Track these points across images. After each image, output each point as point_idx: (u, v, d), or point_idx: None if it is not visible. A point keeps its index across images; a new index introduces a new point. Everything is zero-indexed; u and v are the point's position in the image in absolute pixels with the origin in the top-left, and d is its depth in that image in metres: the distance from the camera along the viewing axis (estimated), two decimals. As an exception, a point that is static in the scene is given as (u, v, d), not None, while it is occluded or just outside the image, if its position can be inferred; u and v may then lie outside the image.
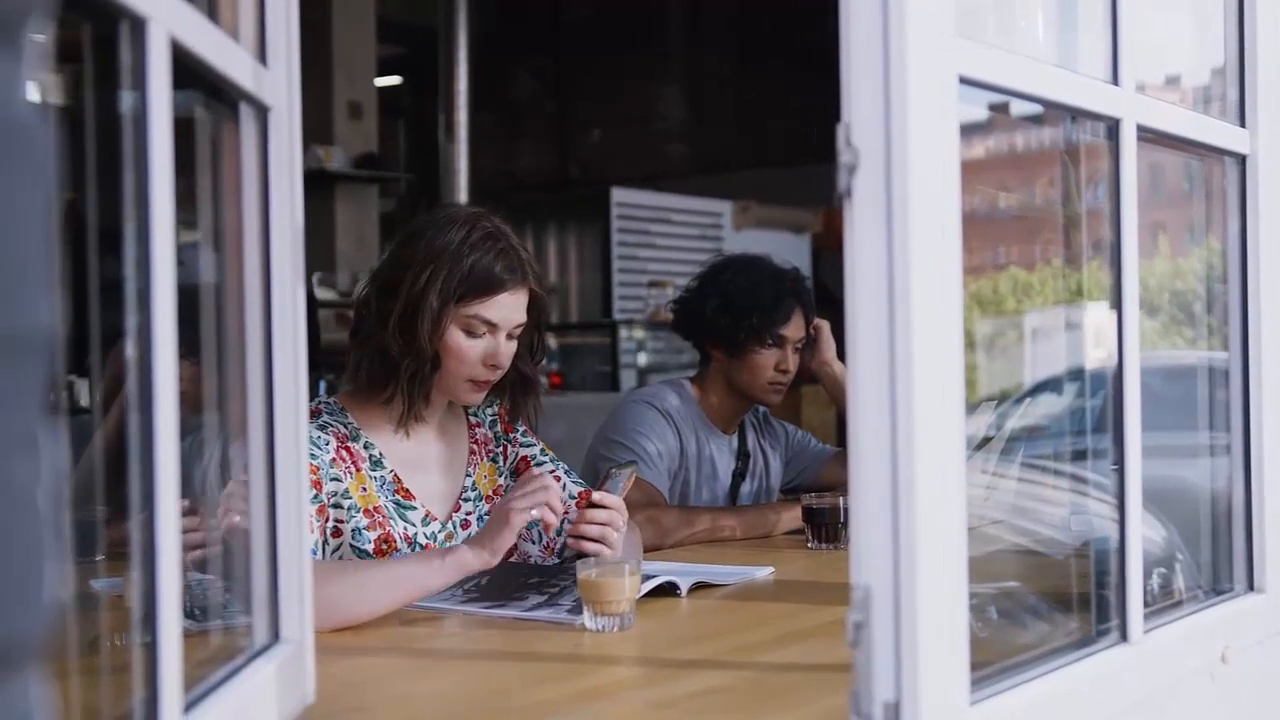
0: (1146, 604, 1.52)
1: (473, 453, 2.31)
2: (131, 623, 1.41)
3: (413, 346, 2.11)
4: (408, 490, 2.17)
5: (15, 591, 0.54)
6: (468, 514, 2.25)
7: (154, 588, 0.99)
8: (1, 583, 0.53)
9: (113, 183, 1.01)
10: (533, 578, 2.09)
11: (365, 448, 2.16)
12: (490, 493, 2.30)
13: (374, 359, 2.14)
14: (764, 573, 2.30)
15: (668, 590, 2.06)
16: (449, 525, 2.22)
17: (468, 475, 2.28)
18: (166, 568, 1.00)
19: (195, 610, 1.34)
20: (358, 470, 2.13)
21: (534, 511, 1.93)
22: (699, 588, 2.13)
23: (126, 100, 1.01)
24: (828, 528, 2.59)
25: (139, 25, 0.98)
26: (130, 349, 1.00)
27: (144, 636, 1.02)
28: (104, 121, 1.02)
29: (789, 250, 6.80)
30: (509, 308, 2.15)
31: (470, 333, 2.13)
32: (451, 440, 2.29)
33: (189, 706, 1.08)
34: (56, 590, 0.58)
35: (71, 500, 0.70)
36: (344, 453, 2.12)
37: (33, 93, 0.58)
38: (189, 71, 1.10)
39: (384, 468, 2.16)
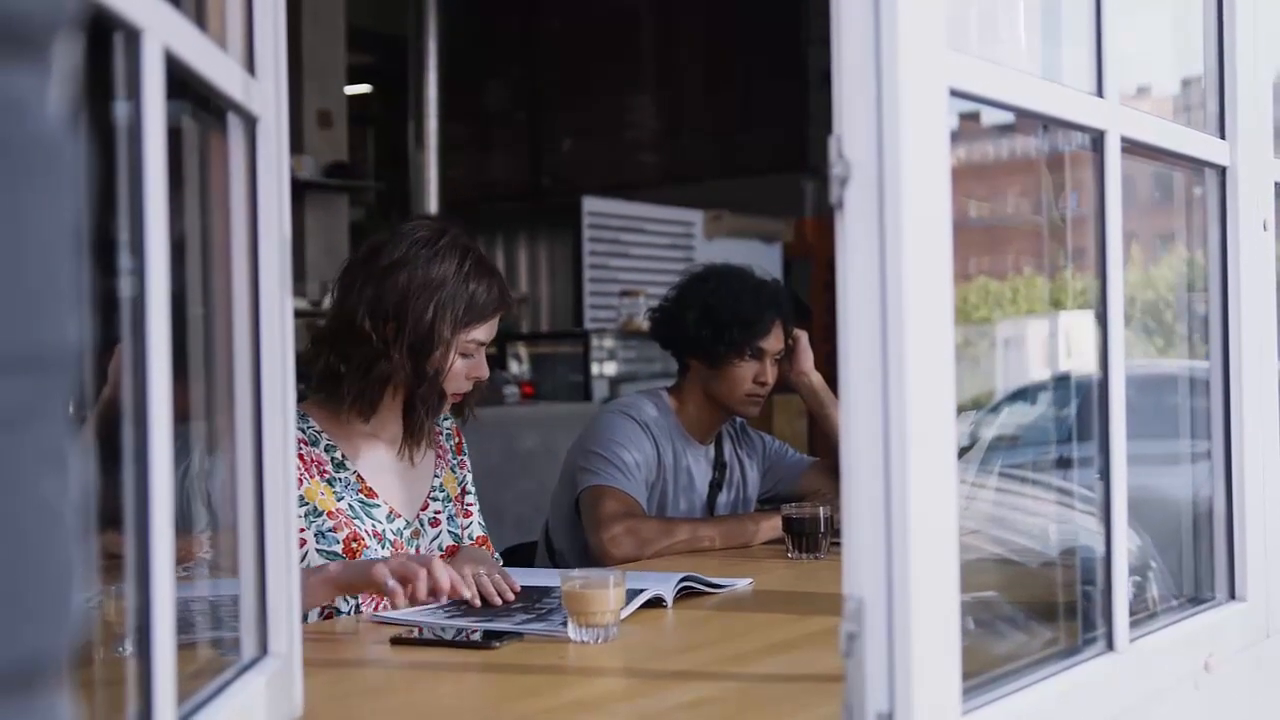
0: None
1: (439, 456, 2.40)
2: (113, 636, 1.40)
3: (423, 377, 2.20)
4: (371, 489, 2.25)
5: (46, 609, 0.54)
6: (436, 512, 2.35)
7: (148, 602, 0.98)
8: (32, 600, 0.53)
9: (105, 192, 1.00)
10: (518, 600, 2.07)
11: (326, 451, 2.23)
12: (454, 496, 2.40)
13: (376, 385, 2.21)
14: (744, 584, 2.30)
15: (653, 601, 2.06)
16: (416, 523, 2.30)
17: (435, 476, 2.37)
18: (160, 581, 0.99)
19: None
20: (313, 477, 2.19)
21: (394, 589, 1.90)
22: (684, 596, 2.13)
23: (120, 110, 1.00)
24: (808, 538, 2.59)
25: (134, 36, 0.97)
26: (124, 360, 0.99)
27: (130, 649, 1.01)
28: (95, 131, 1.02)
29: (760, 260, 6.78)
30: (495, 326, 2.29)
31: (464, 355, 2.25)
32: None
33: (181, 721, 1.07)
34: (83, 607, 0.58)
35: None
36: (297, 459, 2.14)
37: (61, 106, 0.57)
38: (179, 81, 1.09)
39: (347, 469, 2.23)
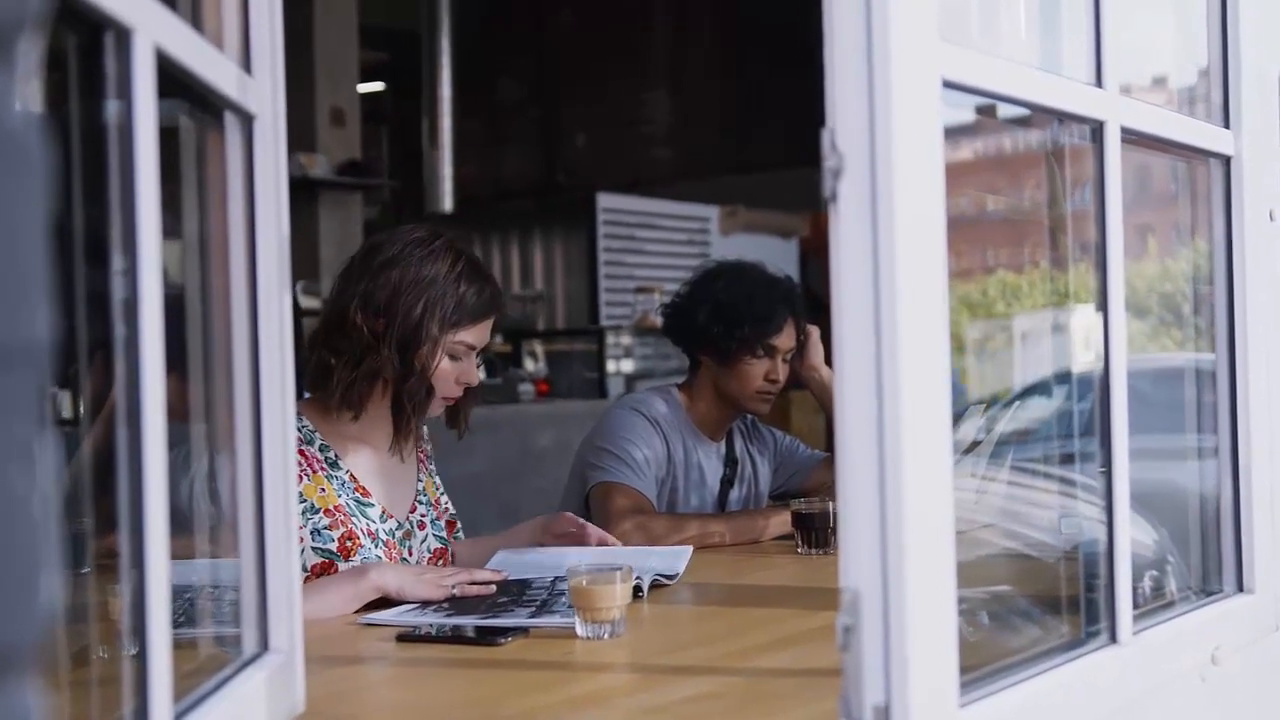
0: (1137, 606, 1.52)
1: (421, 462, 2.44)
2: (114, 634, 1.41)
3: (410, 372, 2.22)
4: (364, 488, 2.28)
5: (12, 600, 0.54)
6: (421, 516, 2.39)
7: (144, 599, 0.99)
8: None
9: (97, 192, 1.01)
10: (501, 597, 2.07)
11: (321, 450, 2.26)
12: (434, 501, 2.44)
13: (364, 379, 2.23)
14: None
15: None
16: (406, 524, 2.34)
17: (419, 481, 2.41)
18: (155, 579, 0.99)
19: (179, 618, 1.34)
20: (314, 473, 2.22)
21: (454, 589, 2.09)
22: (690, 590, 2.14)
23: (111, 109, 1.00)
24: (817, 533, 2.59)
25: (124, 35, 0.98)
26: (117, 360, 1.00)
27: (131, 648, 1.02)
28: (87, 130, 1.02)
29: (776, 255, 6.81)
30: (487, 331, 2.32)
31: (453, 357, 2.27)
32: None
33: (179, 716, 1.07)
34: (52, 599, 0.58)
35: (60, 512, 0.70)
36: (297, 457, 2.15)
37: (27, 103, 0.58)
38: (173, 80, 1.10)
39: (341, 469, 2.26)
